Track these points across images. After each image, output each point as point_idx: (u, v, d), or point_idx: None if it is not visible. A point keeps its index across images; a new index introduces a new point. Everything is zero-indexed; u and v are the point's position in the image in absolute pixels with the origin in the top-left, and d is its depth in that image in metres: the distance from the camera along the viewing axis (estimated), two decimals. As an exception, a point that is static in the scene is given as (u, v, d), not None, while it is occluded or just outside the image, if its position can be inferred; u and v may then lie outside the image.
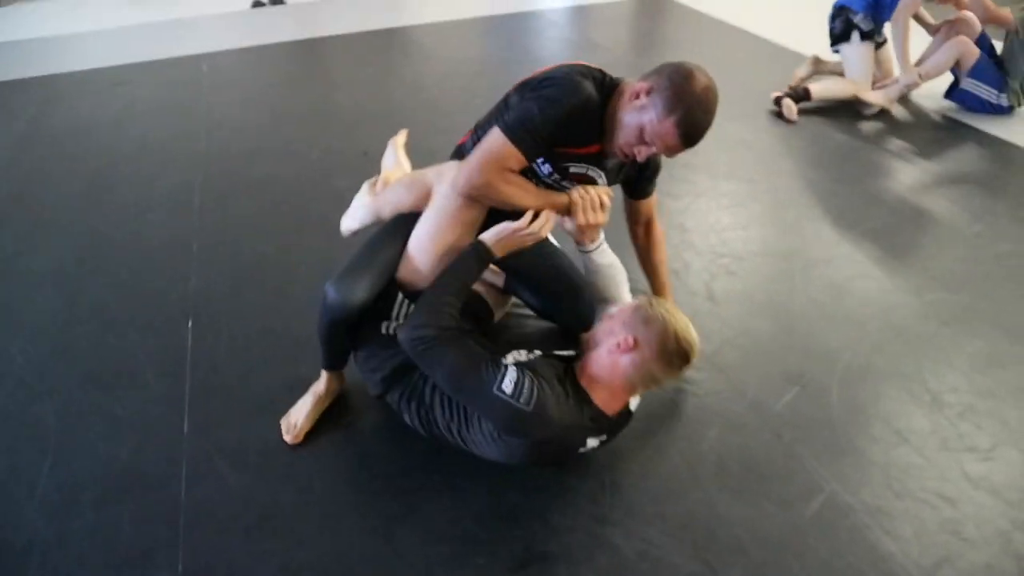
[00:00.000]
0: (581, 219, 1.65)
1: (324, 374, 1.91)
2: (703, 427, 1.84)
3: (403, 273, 1.72)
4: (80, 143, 3.76)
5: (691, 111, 1.47)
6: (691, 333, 1.57)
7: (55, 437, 1.90)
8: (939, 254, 2.51)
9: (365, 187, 2.05)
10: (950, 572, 1.47)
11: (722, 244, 2.60)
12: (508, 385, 1.45)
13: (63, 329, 2.32)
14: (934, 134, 3.46)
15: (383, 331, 1.73)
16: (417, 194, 1.77)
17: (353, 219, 2.00)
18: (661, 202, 2.70)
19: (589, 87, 1.55)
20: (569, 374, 1.62)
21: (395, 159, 2.28)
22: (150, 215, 2.98)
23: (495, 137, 1.57)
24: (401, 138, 2.37)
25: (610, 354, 1.57)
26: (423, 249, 1.69)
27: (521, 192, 1.61)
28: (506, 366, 1.49)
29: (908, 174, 3.05)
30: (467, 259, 1.61)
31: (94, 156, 3.59)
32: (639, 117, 1.51)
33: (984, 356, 2.04)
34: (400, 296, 1.73)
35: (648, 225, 1.97)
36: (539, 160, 1.66)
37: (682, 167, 3.14)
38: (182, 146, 3.62)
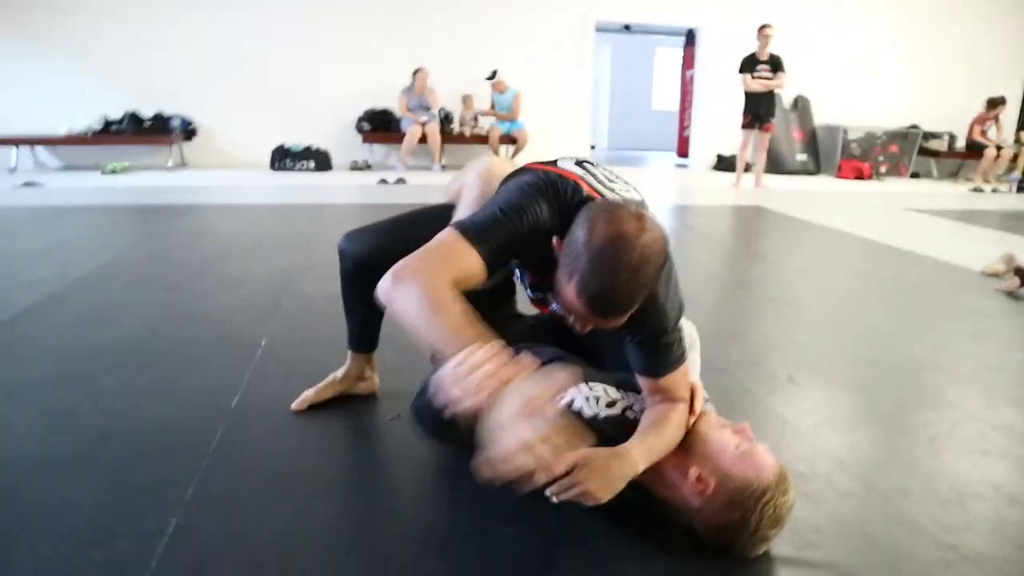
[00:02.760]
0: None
1: (348, 357, 1.90)
2: None
3: None
4: (201, 244, 4.16)
5: (593, 273, 1.10)
6: (773, 530, 1.25)
7: (116, 396, 1.95)
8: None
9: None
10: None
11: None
12: None
13: (159, 326, 2.51)
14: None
15: None
16: (456, 190, 1.76)
17: None
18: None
19: (544, 211, 1.27)
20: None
21: None
22: (247, 288, 3.18)
23: (450, 239, 1.23)
24: None
25: (683, 474, 1.32)
26: None
27: (431, 310, 1.09)
28: None
29: None
30: None
31: (210, 249, 3.94)
32: (556, 276, 1.19)
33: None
34: None
35: (665, 401, 1.37)
36: (520, 274, 1.53)
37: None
38: (285, 258, 3.92)
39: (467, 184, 1.66)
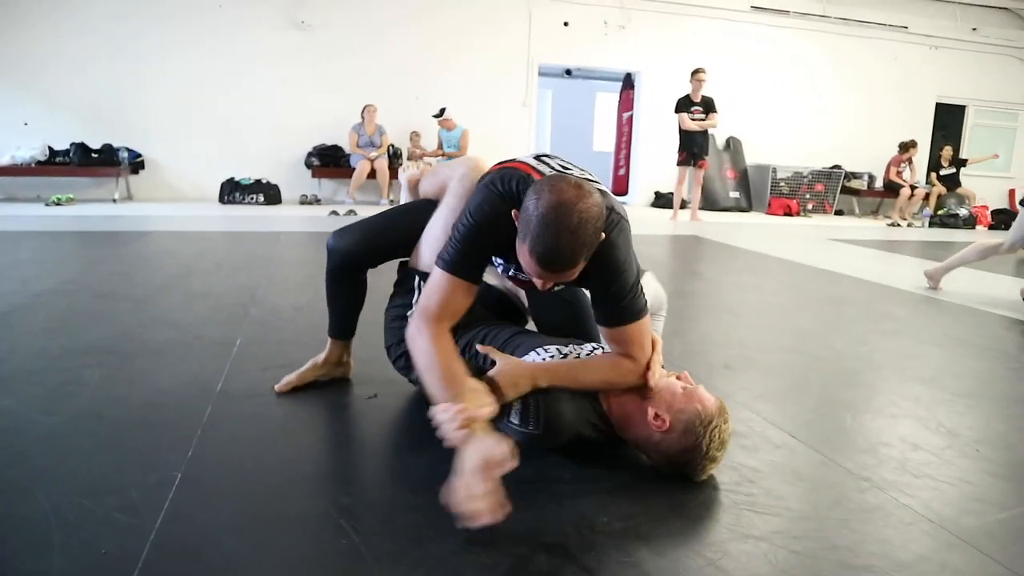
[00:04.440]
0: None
1: (328, 344, 2.05)
2: None
3: (415, 260, 1.87)
4: (161, 264, 4.24)
5: (539, 235, 1.32)
6: (719, 451, 1.49)
7: (102, 385, 2.05)
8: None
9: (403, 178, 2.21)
10: None
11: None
12: (515, 417, 1.54)
13: (133, 331, 2.56)
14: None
15: (408, 315, 1.87)
16: (438, 185, 1.92)
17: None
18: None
19: (497, 204, 1.49)
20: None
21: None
22: (214, 300, 3.29)
23: (435, 275, 1.55)
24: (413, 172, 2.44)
25: (643, 413, 1.55)
26: (435, 237, 1.79)
27: (435, 373, 1.45)
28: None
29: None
30: None
31: (172, 269, 4.02)
32: (517, 242, 1.41)
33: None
34: (418, 280, 1.85)
35: (620, 354, 1.58)
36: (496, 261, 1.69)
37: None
38: (247, 276, 4.04)
39: (451, 190, 1.82)
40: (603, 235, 1.40)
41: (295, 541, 1.25)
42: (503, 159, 1.66)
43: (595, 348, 1.70)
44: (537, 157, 1.61)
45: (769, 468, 1.63)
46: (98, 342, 2.46)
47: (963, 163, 10.55)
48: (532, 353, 1.65)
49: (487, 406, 1.39)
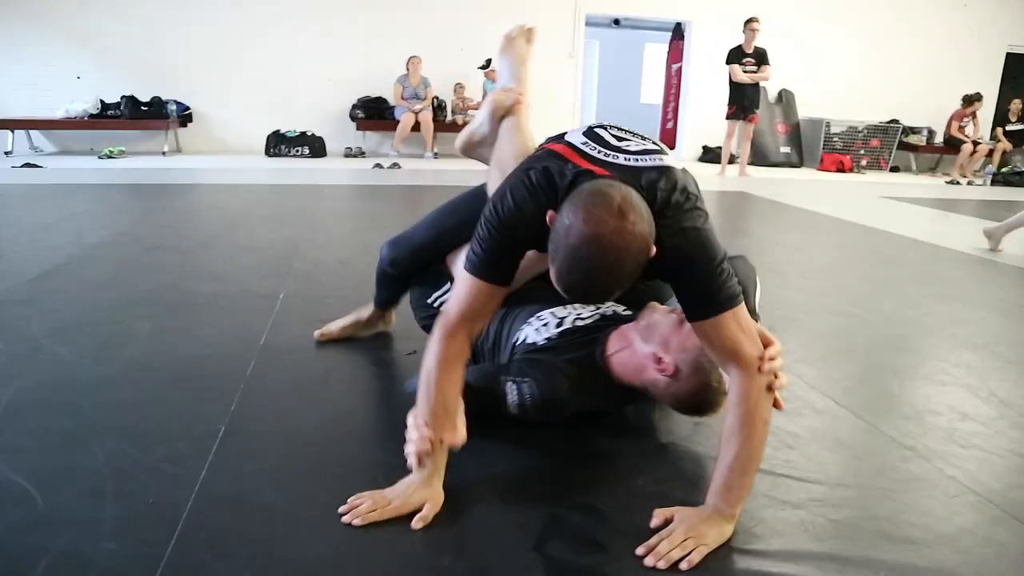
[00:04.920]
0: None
1: (372, 306, 2.09)
2: None
3: (450, 267, 1.84)
4: (208, 217, 4.31)
5: (568, 268, 1.17)
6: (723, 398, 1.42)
7: (151, 336, 2.11)
8: None
9: (489, 98, 1.85)
10: None
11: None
12: (515, 408, 1.50)
13: (181, 283, 2.63)
14: None
15: (430, 301, 1.90)
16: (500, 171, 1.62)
17: (469, 127, 1.91)
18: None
19: (523, 202, 1.29)
20: (592, 346, 1.58)
21: (513, 73, 1.97)
22: (259, 253, 3.34)
23: (460, 276, 1.38)
24: (529, 37, 2.02)
25: (645, 360, 1.47)
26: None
27: (426, 388, 1.32)
28: (506, 384, 1.51)
29: None
30: None
31: (218, 222, 4.08)
32: (548, 256, 1.23)
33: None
34: (448, 285, 1.82)
35: (734, 375, 1.28)
36: None
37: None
38: (291, 229, 4.08)
39: (503, 163, 1.61)
40: (653, 251, 1.19)
41: (335, 495, 1.28)
42: (551, 137, 1.46)
43: (599, 308, 1.67)
44: (589, 131, 1.39)
45: (810, 434, 1.60)
46: (148, 294, 2.53)
47: (1033, 118, 10.03)
48: (526, 327, 1.64)
49: (455, 436, 1.30)
